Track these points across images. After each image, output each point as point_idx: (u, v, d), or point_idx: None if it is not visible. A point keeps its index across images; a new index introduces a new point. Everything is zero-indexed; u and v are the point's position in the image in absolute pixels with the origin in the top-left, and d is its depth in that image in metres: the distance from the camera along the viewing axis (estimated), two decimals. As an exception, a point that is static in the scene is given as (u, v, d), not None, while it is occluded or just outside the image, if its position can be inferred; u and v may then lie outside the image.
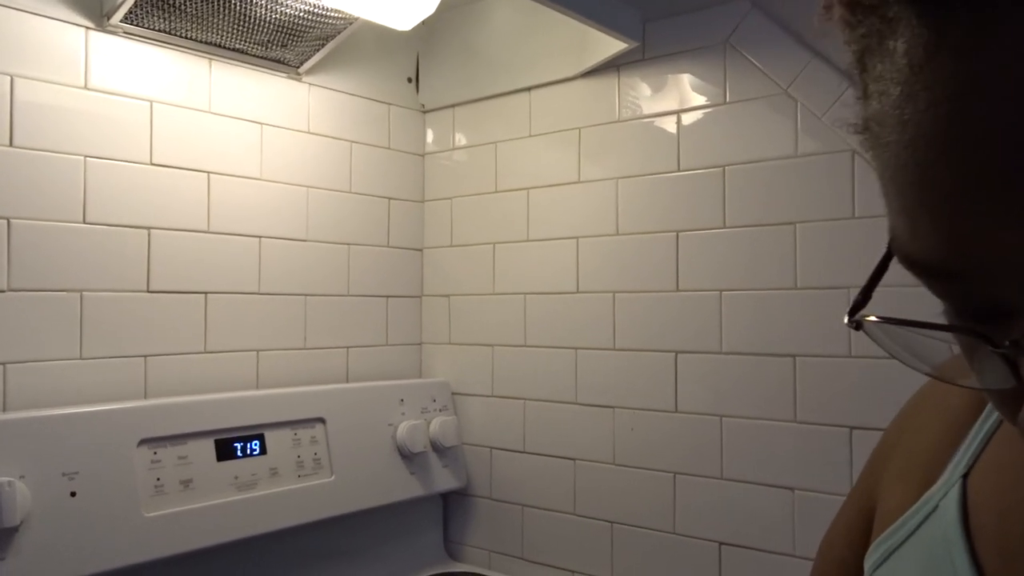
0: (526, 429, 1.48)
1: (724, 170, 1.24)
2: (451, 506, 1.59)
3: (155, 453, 1.11)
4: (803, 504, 1.16)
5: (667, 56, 1.31)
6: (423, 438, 1.45)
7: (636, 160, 1.35)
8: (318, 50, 1.37)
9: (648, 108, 1.34)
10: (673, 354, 1.30)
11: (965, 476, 0.41)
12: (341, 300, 1.50)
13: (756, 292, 1.21)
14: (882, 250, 0.30)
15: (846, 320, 0.31)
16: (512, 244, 1.51)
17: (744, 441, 1.22)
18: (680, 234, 1.29)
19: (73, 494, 1.01)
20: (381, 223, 1.58)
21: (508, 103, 1.53)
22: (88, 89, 1.16)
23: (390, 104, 1.60)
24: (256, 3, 1.19)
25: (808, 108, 1.16)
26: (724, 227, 1.24)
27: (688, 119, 1.29)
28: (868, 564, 0.45)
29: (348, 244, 1.51)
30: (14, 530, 0.95)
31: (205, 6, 1.18)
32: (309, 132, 1.45)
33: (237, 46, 1.30)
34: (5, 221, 1.08)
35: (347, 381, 1.50)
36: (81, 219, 1.15)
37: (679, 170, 1.30)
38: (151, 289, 1.23)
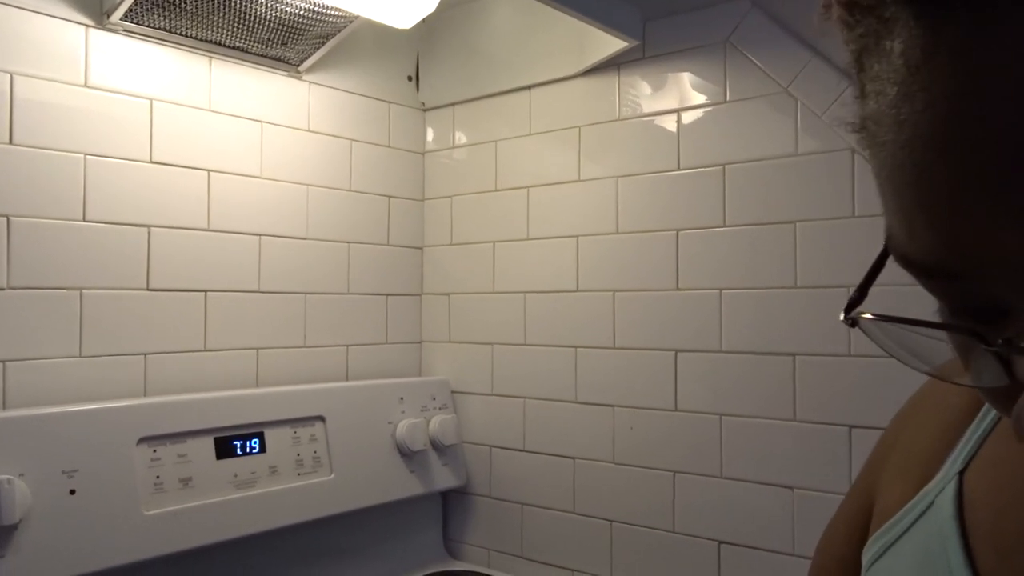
0: (526, 428, 1.48)
1: (724, 169, 1.24)
2: (451, 504, 1.59)
3: (155, 451, 1.11)
4: (802, 503, 1.16)
5: (667, 55, 1.31)
6: (423, 436, 1.45)
7: (636, 159, 1.34)
8: (318, 48, 1.37)
9: (648, 107, 1.34)
10: (673, 353, 1.30)
11: (961, 473, 0.42)
12: (341, 298, 1.50)
13: (756, 291, 1.21)
14: (881, 249, 0.30)
15: (842, 317, 0.31)
16: (512, 242, 1.51)
17: (743, 440, 1.22)
18: (680, 233, 1.29)
19: (73, 492, 1.01)
20: (381, 221, 1.58)
21: (508, 101, 1.53)
22: (88, 87, 1.16)
23: (390, 102, 1.60)
24: (256, 1, 1.19)
25: (808, 107, 1.16)
26: (724, 226, 1.24)
27: (688, 118, 1.29)
28: (866, 558, 0.46)
29: (348, 242, 1.51)
30: (13, 528, 0.95)
31: (205, 4, 1.18)
32: (309, 130, 1.45)
33: (237, 44, 1.30)
34: (5, 219, 1.08)
35: (347, 379, 1.50)
36: (81, 217, 1.15)
37: (679, 169, 1.29)
38: (151, 287, 1.23)
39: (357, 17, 1.27)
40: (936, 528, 0.40)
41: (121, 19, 1.17)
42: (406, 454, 1.43)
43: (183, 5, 1.17)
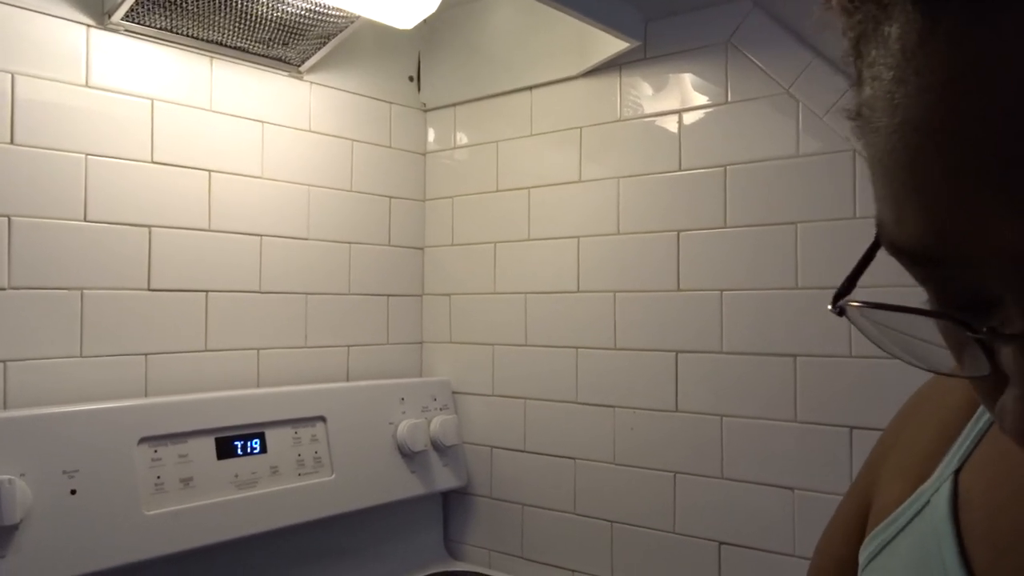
0: (526, 428, 1.48)
1: (725, 170, 1.24)
2: (451, 505, 1.59)
3: (155, 451, 1.11)
4: (803, 504, 1.16)
5: (668, 55, 1.31)
6: (423, 437, 1.45)
7: (637, 159, 1.34)
8: (319, 48, 1.37)
9: (649, 107, 1.33)
10: (674, 354, 1.30)
11: (957, 472, 0.42)
12: (342, 299, 1.50)
13: (757, 292, 1.21)
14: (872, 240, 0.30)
15: (830, 307, 0.31)
16: (513, 243, 1.51)
17: (744, 441, 1.22)
18: (681, 234, 1.29)
19: (73, 492, 1.01)
20: (382, 222, 1.58)
21: (509, 102, 1.53)
22: (89, 87, 1.17)
23: (391, 103, 1.60)
24: (258, 1, 1.19)
25: (809, 108, 1.16)
26: (725, 227, 1.24)
27: (689, 119, 1.29)
28: (862, 557, 0.46)
29: (349, 243, 1.51)
30: (14, 528, 0.95)
31: (206, 4, 1.18)
32: (310, 131, 1.45)
33: (238, 44, 1.30)
34: (6, 219, 1.08)
35: (348, 380, 1.50)
36: (82, 217, 1.15)
37: (680, 170, 1.29)
38: (152, 287, 1.23)
39: (358, 17, 1.27)
40: (931, 527, 0.41)
41: (122, 19, 1.17)
42: (407, 454, 1.43)
43: (184, 5, 1.17)
